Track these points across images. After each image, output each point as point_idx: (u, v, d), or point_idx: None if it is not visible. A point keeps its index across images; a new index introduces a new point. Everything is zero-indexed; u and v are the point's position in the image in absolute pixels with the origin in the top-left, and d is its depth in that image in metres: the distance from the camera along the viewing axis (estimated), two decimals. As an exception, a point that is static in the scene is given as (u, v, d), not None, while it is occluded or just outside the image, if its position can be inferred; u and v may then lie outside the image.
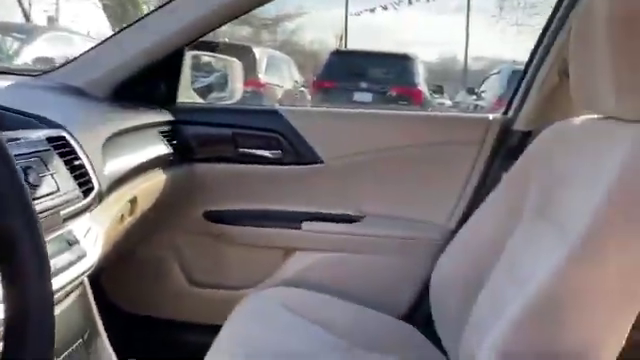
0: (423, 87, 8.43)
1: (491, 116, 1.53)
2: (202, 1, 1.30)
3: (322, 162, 1.51)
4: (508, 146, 1.47)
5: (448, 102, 12.07)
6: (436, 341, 1.26)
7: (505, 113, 1.54)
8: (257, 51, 7.98)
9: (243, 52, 6.90)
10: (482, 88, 9.67)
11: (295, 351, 1.15)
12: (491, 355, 0.84)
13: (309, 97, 8.73)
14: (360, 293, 1.46)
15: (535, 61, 1.51)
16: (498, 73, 9.09)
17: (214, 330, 1.19)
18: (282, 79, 8.63)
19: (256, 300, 1.33)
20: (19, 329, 0.43)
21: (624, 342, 0.81)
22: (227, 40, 7.54)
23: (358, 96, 8.16)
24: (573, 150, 1.04)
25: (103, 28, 12.08)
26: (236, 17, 1.37)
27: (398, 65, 8.31)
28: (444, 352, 1.21)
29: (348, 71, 8.22)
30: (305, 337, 1.21)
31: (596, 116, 1.06)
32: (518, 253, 1.08)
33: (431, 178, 1.50)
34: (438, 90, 11.15)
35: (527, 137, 1.44)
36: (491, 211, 1.24)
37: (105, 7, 13.61)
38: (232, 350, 1.13)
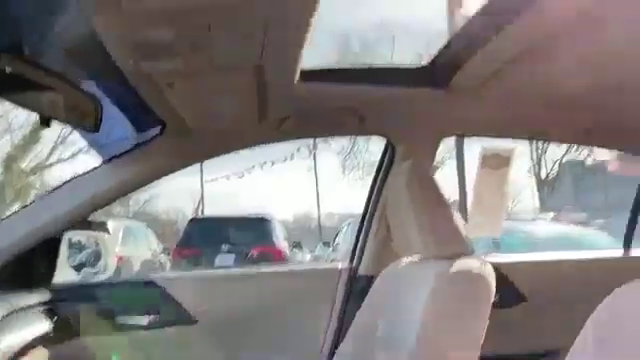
0: (283, 245, 8.85)
1: (340, 265, 1.82)
2: (76, 194, 1.48)
3: (196, 322, 1.64)
4: (357, 289, 1.74)
5: (308, 256, 12.66)
6: None
7: (351, 261, 1.85)
8: (110, 224, 7.88)
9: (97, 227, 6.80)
10: (336, 241, 10.41)
11: None
12: None
13: (169, 265, 8.64)
14: None
15: (367, 216, 1.87)
16: (348, 225, 9.95)
17: None
18: (139, 249, 8.51)
19: None
20: None
21: None
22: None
23: (220, 260, 8.30)
24: (398, 290, 1.35)
25: None
26: (107, 205, 1.56)
27: (256, 227, 8.71)
28: None
29: (208, 237, 8.41)
30: None
31: (415, 258, 1.40)
32: None
33: (297, 323, 1.70)
34: (297, 246, 11.73)
35: (371, 279, 1.73)
36: (350, 349, 1.48)
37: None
38: None
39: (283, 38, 1.00)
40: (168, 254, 9.12)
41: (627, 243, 2.03)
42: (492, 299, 1.21)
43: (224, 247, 8.38)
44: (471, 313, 1.20)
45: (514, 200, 21.01)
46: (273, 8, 0.89)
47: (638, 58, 1.25)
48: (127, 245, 7.86)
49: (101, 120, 1.06)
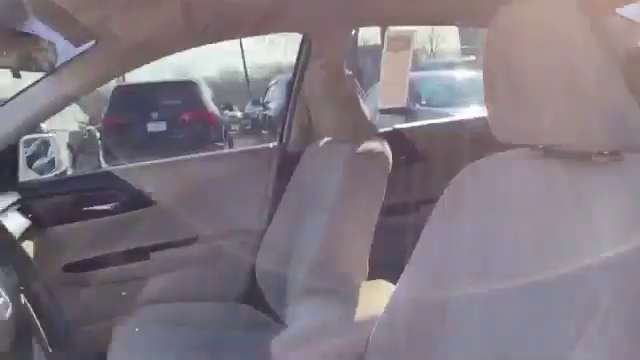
0: (213, 108, 8.95)
1: (271, 145, 2.12)
2: (26, 106, 1.62)
3: (153, 204, 1.94)
4: (286, 164, 2.04)
5: (239, 114, 12.81)
6: (270, 313, 1.80)
7: (280, 141, 2.14)
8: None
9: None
10: (266, 98, 10.59)
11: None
12: (299, 295, 1.41)
13: (98, 135, 8.63)
14: (206, 294, 1.93)
15: (292, 98, 2.13)
16: (276, 84, 10.07)
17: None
18: (66, 122, 8.38)
19: (128, 326, 1.71)
20: None
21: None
22: None
23: (152, 126, 8.37)
24: (318, 164, 1.69)
25: None
26: (53, 115, 1.72)
27: (184, 91, 8.68)
28: (279, 320, 1.75)
29: (135, 105, 8.34)
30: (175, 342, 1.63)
31: (330, 139, 1.72)
32: (305, 232, 1.68)
33: (238, 198, 2.03)
34: (228, 106, 11.80)
35: (299, 155, 2.03)
36: (284, 214, 1.84)
37: None
38: None
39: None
40: (95, 124, 9.00)
41: None
42: (389, 170, 1.56)
43: (154, 115, 8.40)
44: (373, 181, 1.56)
45: (438, 38, 21.44)
46: None
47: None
48: (53, 120, 7.72)
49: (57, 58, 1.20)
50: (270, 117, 9.51)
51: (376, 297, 1.23)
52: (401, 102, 2.46)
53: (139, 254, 1.92)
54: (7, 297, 1.23)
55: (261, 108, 10.54)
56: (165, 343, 1.60)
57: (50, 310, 1.50)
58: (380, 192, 1.55)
